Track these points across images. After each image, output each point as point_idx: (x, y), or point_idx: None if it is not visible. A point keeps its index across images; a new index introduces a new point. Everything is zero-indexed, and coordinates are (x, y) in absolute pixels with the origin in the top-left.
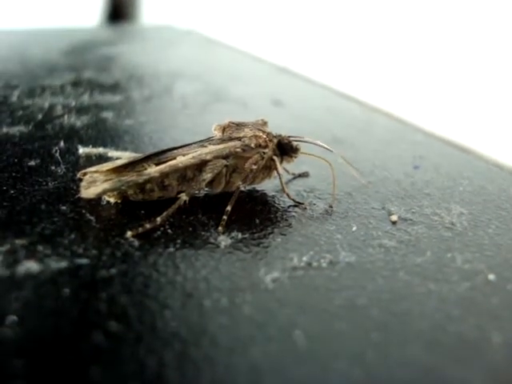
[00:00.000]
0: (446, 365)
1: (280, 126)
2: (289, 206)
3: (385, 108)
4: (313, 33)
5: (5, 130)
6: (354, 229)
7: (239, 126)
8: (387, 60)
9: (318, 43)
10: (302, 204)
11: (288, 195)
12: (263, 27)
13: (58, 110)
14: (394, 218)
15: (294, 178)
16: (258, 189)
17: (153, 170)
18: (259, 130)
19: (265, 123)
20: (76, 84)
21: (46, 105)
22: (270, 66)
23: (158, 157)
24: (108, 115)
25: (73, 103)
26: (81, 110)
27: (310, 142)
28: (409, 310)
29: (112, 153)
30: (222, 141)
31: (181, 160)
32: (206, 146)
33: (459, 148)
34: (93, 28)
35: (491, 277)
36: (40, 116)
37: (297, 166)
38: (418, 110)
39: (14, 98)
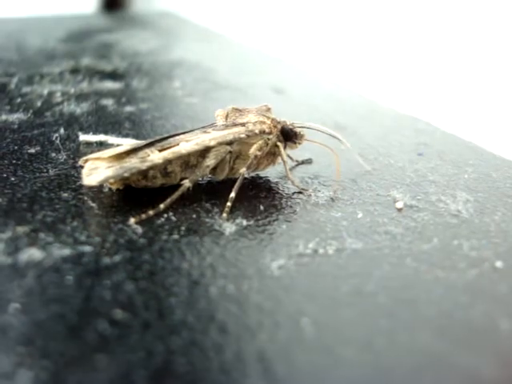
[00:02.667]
0: (454, 351)
1: (281, 112)
2: (293, 193)
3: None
4: (309, 26)
5: (4, 117)
6: (360, 216)
7: (243, 111)
8: (384, 54)
9: (316, 36)
10: (307, 190)
11: (292, 182)
12: (262, 17)
13: (57, 98)
14: (400, 204)
15: (298, 165)
16: (262, 175)
17: (156, 157)
18: (263, 115)
19: (268, 109)
20: (74, 71)
21: (45, 92)
22: (268, 56)
23: (160, 143)
24: (108, 102)
25: (72, 90)
26: (80, 97)
27: (314, 129)
28: (416, 297)
29: (113, 139)
30: (226, 127)
31: (184, 146)
32: (209, 132)
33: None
34: (90, 15)
35: (498, 264)
36: (39, 103)
37: (300, 152)
38: (417, 106)
39: (12, 86)
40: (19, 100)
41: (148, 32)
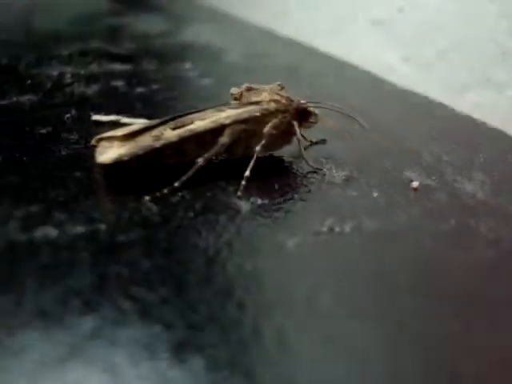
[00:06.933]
0: (476, 329)
1: (294, 93)
2: (308, 172)
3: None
4: (321, 4)
5: (14, 98)
6: (376, 195)
7: (257, 90)
8: (397, 34)
9: (328, 15)
10: (321, 170)
11: (307, 161)
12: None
13: (67, 79)
14: (416, 185)
15: (312, 145)
16: (276, 155)
17: (170, 135)
18: (277, 94)
19: (282, 88)
20: (84, 53)
21: (55, 73)
22: (279, 36)
23: (174, 121)
24: (118, 83)
25: (82, 72)
26: (90, 79)
27: (329, 108)
28: (437, 276)
29: (125, 120)
30: (241, 105)
31: (199, 124)
32: (223, 111)
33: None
34: None
35: None
36: (49, 85)
37: (313, 132)
38: (431, 87)
39: (22, 68)
40: (29, 82)
41: (157, 15)
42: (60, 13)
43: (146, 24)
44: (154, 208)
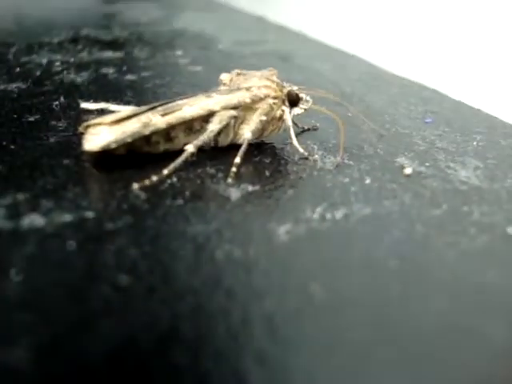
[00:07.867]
0: (468, 315)
1: (287, 80)
2: (299, 159)
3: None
4: None
5: (2, 86)
6: (368, 181)
7: (247, 76)
8: (390, 20)
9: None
10: (313, 156)
11: (298, 148)
12: None
13: (57, 67)
14: (408, 171)
15: (303, 132)
16: (267, 141)
17: (159, 121)
18: (268, 79)
19: (273, 73)
20: (74, 41)
21: (44, 61)
22: (272, 24)
23: (163, 108)
24: (108, 71)
25: (71, 60)
26: (80, 67)
27: (321, 95)
28: (428, 262)
29: (114, 107)
30: (230, 91)
31: (188, 111)
32: (212, 97)
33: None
34: None
35: (510, 230)
36: (38, 72)
37: (305, 119)
38: (424, 73)
39: (11, 56)
40: (18, 69)
41: (149, 2)
42: (51, 0)
43: (138, 11)
44: (143, 195)
